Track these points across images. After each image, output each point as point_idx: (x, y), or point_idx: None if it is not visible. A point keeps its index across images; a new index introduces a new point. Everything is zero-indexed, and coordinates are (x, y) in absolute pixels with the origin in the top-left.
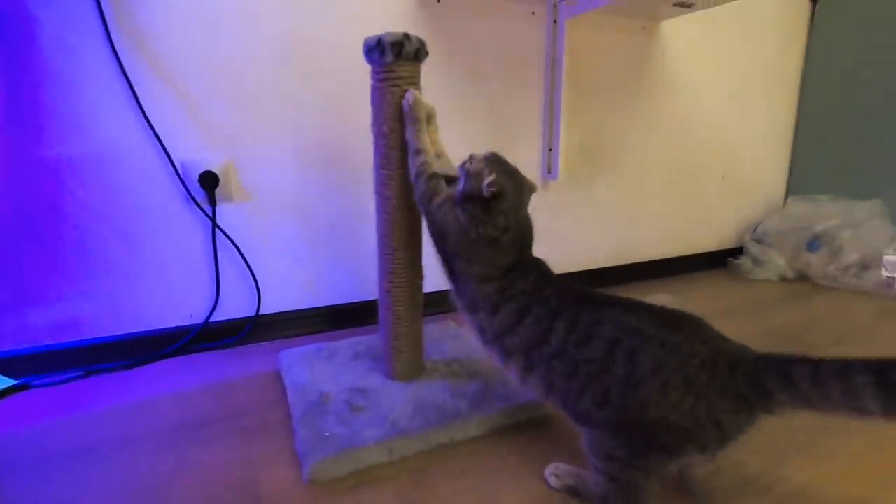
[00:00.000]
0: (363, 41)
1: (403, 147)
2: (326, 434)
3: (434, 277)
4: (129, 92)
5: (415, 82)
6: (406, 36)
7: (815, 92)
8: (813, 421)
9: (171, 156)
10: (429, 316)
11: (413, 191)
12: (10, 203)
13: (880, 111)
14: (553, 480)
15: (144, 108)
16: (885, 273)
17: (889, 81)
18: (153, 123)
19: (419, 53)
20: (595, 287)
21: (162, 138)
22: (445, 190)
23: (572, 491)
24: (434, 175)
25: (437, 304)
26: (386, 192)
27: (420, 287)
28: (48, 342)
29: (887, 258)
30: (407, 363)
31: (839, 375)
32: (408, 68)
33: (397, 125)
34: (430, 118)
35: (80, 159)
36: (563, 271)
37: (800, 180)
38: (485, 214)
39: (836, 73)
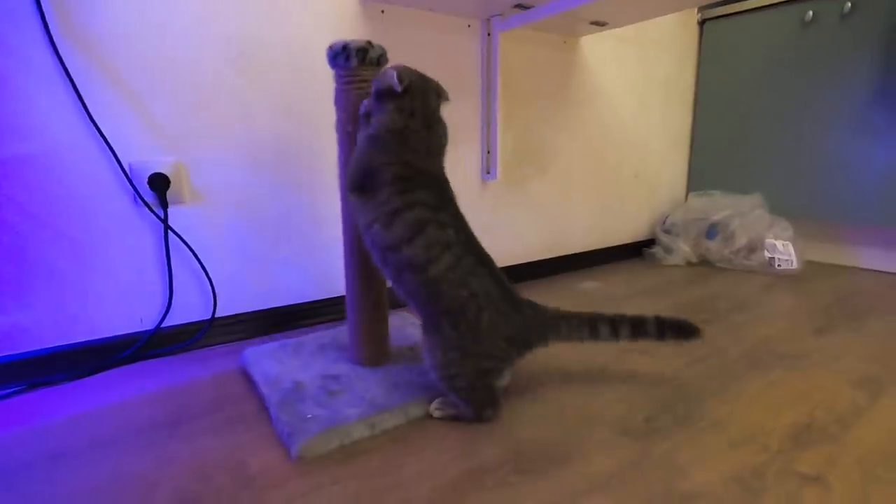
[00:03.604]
0: (329, 46)
1: None
2: (309, 416)
3: None
4: (73, 91)
5: None
6: (369, 43)
7: (706, 103)
8: (720, 373)
9: (119, 157)
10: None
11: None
12: None
13: (759, 120)
14: (436, 413)
15: (89, 108)
16: (767, 254)
17: (766, 95)
18: (98, 124)
19: (381, 59)
20: (529, 278)
21: (108, 139)
22: None
23: (453, 416)
24: None
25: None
26: None
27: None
28: None
29: (768, 241)
30: (375, 349)
31: (582, 324)
32: (371, 72)
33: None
34: None
35: (18, 161)
36: (502, 264)
37: (697, 178)
38: (397, 107)
39: (723, 88)
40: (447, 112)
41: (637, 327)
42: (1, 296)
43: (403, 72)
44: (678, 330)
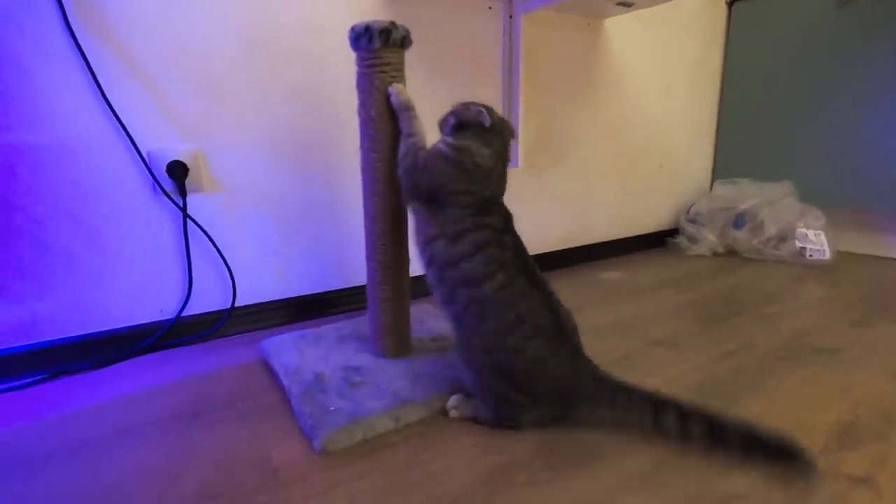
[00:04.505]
0: (350, 28)
1: (390, 131)
2: (332, 409)
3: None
4: (91, 78)
5: (400, 69)
6: (393, 24)
7: (734, 87)
8: (753, 367)
9: (138, 145)
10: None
11: (398, 170)
12: None
13: (789, 105)
14: (453, 412)
15: (107, 95)
16: (798, 244)
17: (796, 78)
18: (117, 111)
19: (405, 41)
20: (550, 268)
21: (127, 127)
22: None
23: (471, 418)
24: (423, 148)
25: (414, 290)
26: (374, 174)
27: (407, 266)
28: (6, 345)
29: (799, 231)
30: (397, 340)
31: (641, 403)
32: (394, 55)
33: (384, 109)
34: None
35: (36, 149)
36: None
37: (723, 165)
38: (485, 144)
39: (752, 71)
40: (468, 99)
41: (717, 432)
42: (24, 284)
43: (492, 110)
44: (775, 451)
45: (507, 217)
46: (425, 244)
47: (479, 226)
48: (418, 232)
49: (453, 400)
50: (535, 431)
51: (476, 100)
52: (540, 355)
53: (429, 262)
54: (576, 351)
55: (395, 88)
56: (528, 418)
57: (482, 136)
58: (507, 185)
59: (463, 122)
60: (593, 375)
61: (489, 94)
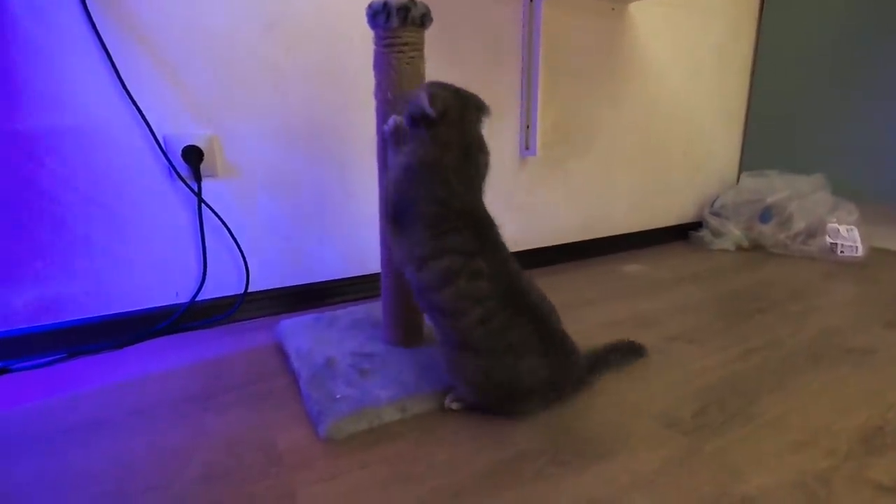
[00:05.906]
0: (368, 5)
1: None
2: (339, 396)
3: None
4: (108, 62)
5: (419, 48)
6: (412, 0)
7: (765, 73)
8: (778, 366)
9: (154, 130)
10: None
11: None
12: None
13: (823, 94)
14: (455, 405)
15: (124, 80)
16: (828, 239)
17: (831, 66)
18: (134, 95)
19: (424, 19)
20: (568, 259)
21: (143, 111)
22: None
23: (472, 406)
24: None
25: None
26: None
27: None
28: (27, 324)
29: (830, 226)
30: (408, 329)
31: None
32: (413, 34)
33: (401, 91)
34: None
35: (56, 133)
36: (539, 245)
37: (751, 157)
38: (431, 136)
39: (784, 58)
40: (485, 85)
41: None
42: (45, 265)
43: (437, 94)
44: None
45: (482, 232)
46: (399, 265)
47: (444, 250)
48: (393, 254)
49: (450, 397)
50: (540, 424)
51: (493, 87)
52: (531, 367)
53: (407, 282)
54: (565, 349)
55: (392, 121)
56: (527, 407)
57: (433, 128)
58: (520, 177)
59: (413, 115)
60: (579, 367)
61: (507, 81)
